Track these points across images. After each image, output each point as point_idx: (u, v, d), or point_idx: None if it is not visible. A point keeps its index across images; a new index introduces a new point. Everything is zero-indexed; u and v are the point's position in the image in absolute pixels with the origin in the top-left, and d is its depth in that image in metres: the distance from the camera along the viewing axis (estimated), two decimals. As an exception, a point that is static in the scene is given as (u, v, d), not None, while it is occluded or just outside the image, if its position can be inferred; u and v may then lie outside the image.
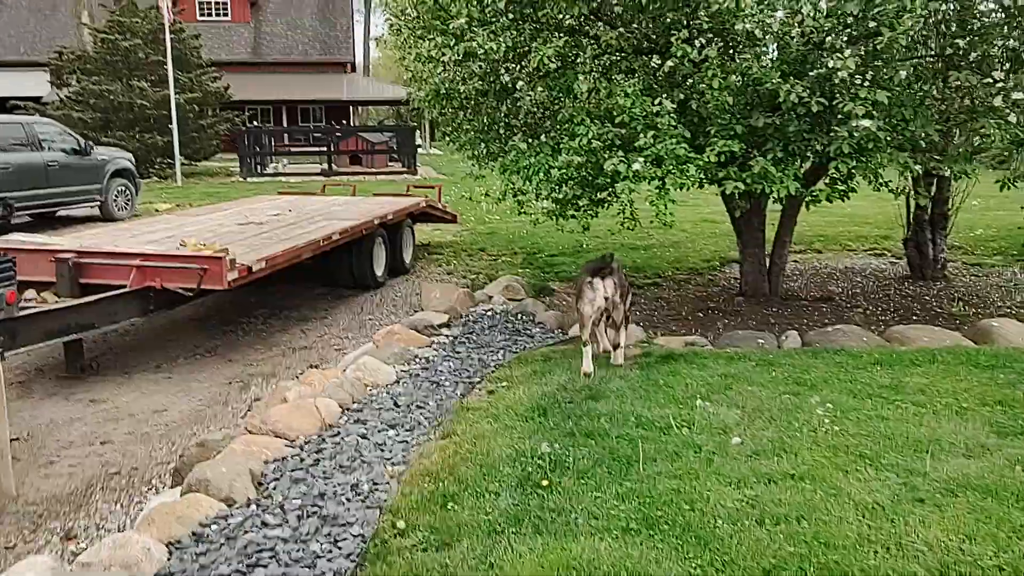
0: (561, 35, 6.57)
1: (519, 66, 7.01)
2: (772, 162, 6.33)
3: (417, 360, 6.00)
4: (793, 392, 5.24)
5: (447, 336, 6.88)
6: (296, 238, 8.12)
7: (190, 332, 8.15)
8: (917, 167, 6.32)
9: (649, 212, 6.44)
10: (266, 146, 28.87)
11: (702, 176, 6.62)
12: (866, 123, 5.69)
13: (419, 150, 30.26)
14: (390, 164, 29.79)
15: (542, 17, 6.78)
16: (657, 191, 6.60)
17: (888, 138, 5.96)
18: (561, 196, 7.66)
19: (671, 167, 6.34)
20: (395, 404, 5.04)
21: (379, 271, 10.02)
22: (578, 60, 6.91)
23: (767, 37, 5.97)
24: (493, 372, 5.72)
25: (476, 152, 8.03)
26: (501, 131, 7.71)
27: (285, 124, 39.58)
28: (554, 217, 8.08)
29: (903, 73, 5.80)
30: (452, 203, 16.46)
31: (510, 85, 7.02)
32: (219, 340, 7.84)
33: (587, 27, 7.20)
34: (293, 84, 40.02)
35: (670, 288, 9.96)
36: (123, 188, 16.25)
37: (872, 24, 5.64)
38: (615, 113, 6.52)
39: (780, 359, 5.82)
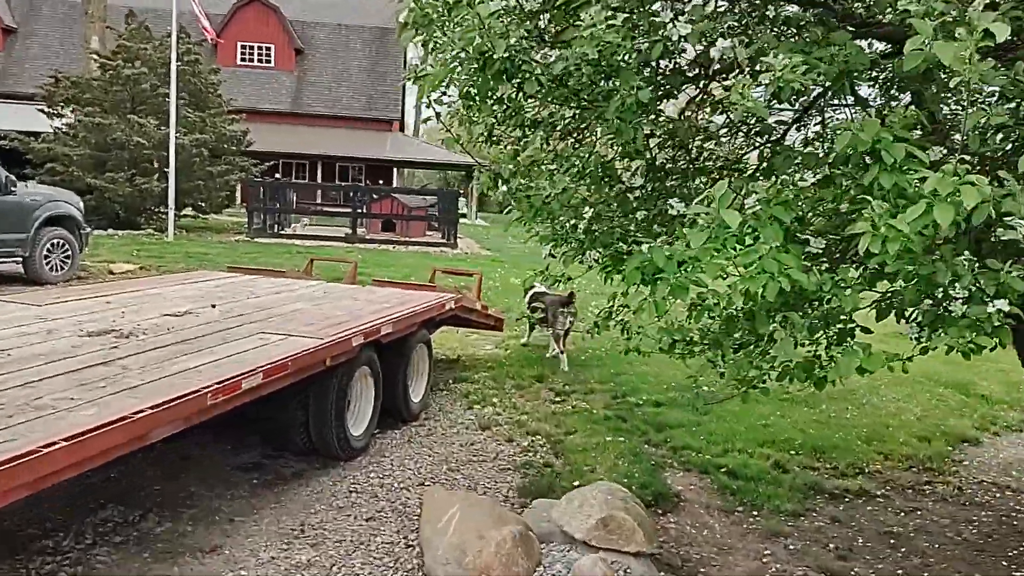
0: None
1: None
2: None
3: None
4: None
5: None
6: (147, 393, 3.67)
7: None
8: None
9: None
10: (289, 202, 24.94)
11: None
12: None
13: (462, 219, 26.20)
14: (428, 233, 25.67)
15: None
16: None
17: None
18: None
19: None
20: None
21: (357, 428, 5.51)
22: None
23: None
24: None
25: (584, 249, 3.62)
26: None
27: (320, 180, 35.94)
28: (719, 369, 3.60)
29: None
30: (496, 294, 12.04)
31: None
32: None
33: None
34: (334, 138, 36.56)
35: (894, 503, 5.31)
36: (59, 241, 12.09)
37: None
38: None
39: None
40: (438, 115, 3.23)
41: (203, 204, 22.88)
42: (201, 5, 21.66)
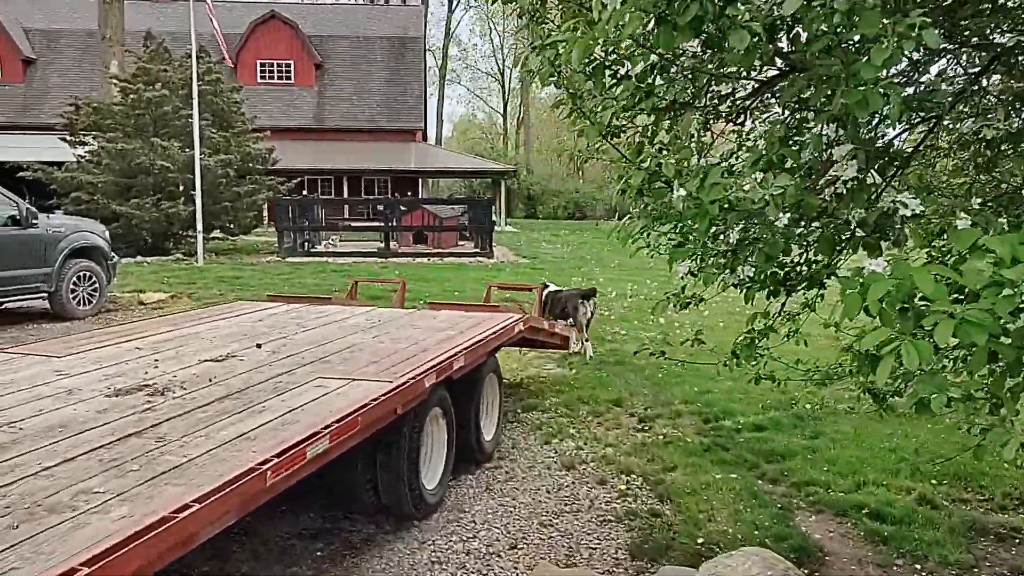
0: None
1: None
2: None
3: None
4: None
5: None
6: (192, 475, 2.92)
7: None
8: None
9: None
10: (317, 219, 24.28)
11: None
12: None
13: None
14: (460, 243, 24.95)
15: None
16: None
17: None
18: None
19: None
20: None
21: (431, 481, 4.73)
22: None
23: None
24: None
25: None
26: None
27: (346, 195, 35.32)
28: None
29: None
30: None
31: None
32: None
33: None
34: (358, 152, 36.05)
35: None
36: (86, 273, 11.48)
37: None
38: None
39: None
40: (573, 96, 2.43)
41: (231, 226, 22.32)
42: (219, 25, 21.18)
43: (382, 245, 22.13)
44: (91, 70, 35.08)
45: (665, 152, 2.51)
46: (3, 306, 11.35)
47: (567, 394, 7.38)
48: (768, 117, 2.59)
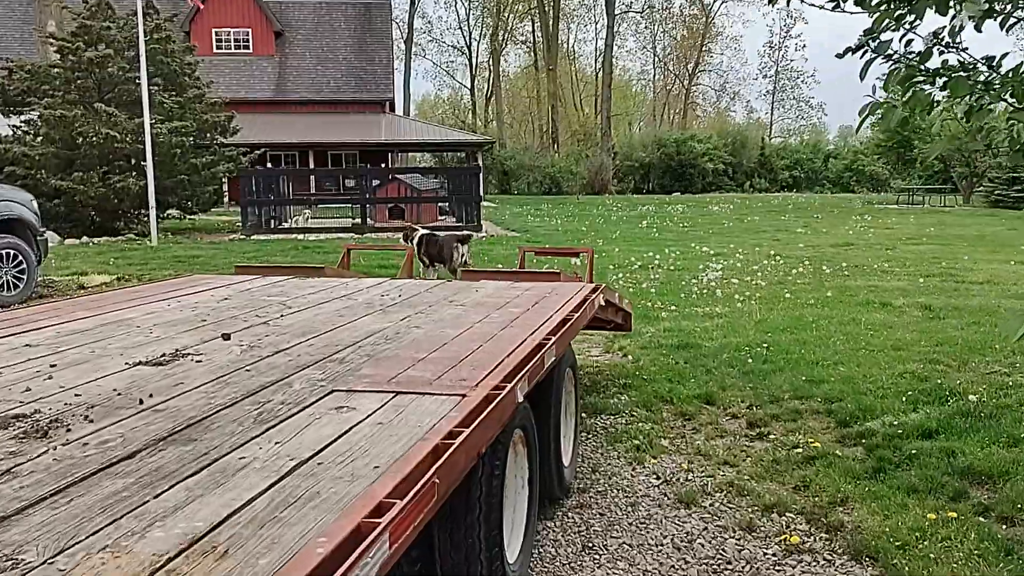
0: None
1: None
2: None
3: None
4: None
5: None
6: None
7: None
8: None
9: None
10: (283, 194, 22.10)
11: None
12: None
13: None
14: (440, 218, 23.01)
15: None
16: None
17: None
18: None
19: None
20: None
21: (513, 549, 2.93)
22: None
23: None
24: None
25: None
26: None
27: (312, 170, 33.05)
28: None
29: None
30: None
31: None
32: None
33: None
34: (323, 124, 33.77)
35: None
36: (10, 252, 9.44)
37: None
38: None
39: None
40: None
41: (189, 203, 20.17)
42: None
43: (357, 220, 20.12)
44: (28, 39, 32.35)
45: None
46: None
47: (638, 390, 5.60)
48: None
